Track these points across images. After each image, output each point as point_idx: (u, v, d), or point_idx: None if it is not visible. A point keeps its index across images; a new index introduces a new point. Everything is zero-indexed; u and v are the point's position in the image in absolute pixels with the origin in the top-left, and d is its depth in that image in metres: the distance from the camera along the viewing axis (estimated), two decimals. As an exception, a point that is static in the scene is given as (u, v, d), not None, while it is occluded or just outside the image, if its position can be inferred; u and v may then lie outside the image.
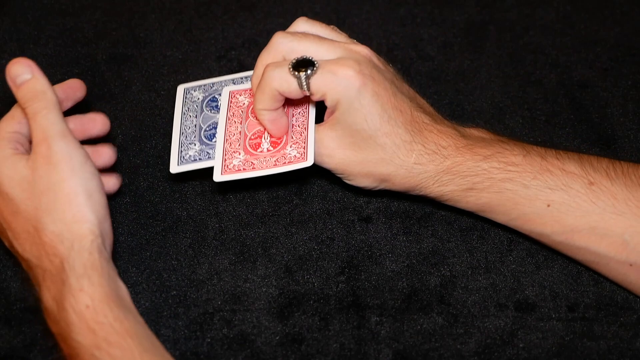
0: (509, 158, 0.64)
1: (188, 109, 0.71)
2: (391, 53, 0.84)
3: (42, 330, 0.64)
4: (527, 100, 0.80)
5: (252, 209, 0.71)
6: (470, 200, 0.65)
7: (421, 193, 0.66)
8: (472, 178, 0.64)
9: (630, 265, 0.62)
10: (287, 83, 0.63)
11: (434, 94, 0.81)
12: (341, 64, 0.63)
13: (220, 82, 0.73)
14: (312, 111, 0.68)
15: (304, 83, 0.62)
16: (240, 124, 0.68)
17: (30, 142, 0.61)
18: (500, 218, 0.66)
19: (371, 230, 0.70)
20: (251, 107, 0.69)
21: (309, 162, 0.64)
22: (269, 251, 0.69)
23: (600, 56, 0.84)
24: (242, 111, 0.69)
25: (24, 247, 0.58)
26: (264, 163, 0.65)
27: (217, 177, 0.65)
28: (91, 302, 0.55)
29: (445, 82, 0.82)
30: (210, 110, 0.70)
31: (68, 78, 0.81)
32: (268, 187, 0.73)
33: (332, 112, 0.65)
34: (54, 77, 0.81)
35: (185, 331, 0.65)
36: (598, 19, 0.87)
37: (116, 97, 0.80)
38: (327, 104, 0.64)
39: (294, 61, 0.62)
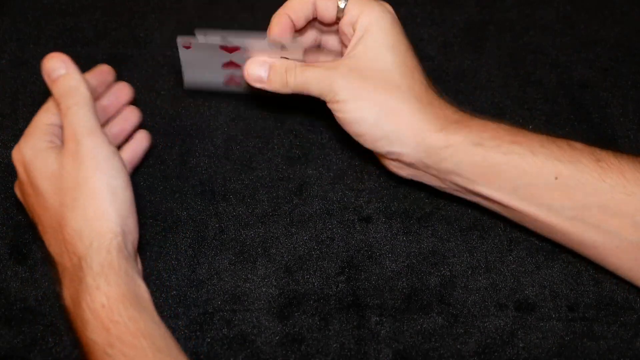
0: (517, 129, 0.63)
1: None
2: (391, 53, 0.84)
3: (42, 330, 0.64)
4: (527, 100, 0.80)
5: (252, 209, 0.71)
6: (476, 160, 0.61)
7: (425, 140, 0.62)
8: (479, 133, 0.62)
9: None
10: None
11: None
12: None
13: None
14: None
15: (343, 1, 0.63)
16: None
17: None
18: (506, 187, 0.62)
19: (371, 230, 0.70)
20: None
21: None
22: (269, 251, 0.69)
23: (600, 56, 0.84)
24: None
25: (50, 242, 0.59)
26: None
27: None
28: (107, 301, 0.54)
29: (445, 82, 0.82)
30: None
31: (68, 78, 0.81)
32: (268, 187, 0.73)
33: (357, 41, 0.64)
34: (54, 77, 0.81)
35: (185, 331, 0.65)
36: (598, 19, 0.87)
37: (116, 97, 0.80)
38: (358, 25, 0.64)
39: None
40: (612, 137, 0.77)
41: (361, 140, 0.64)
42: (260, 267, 0.68)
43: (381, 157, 0.67)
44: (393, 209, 0.71)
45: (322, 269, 0.68)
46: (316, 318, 0.65)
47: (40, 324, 0.65)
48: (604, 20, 0.87)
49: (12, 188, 0.73)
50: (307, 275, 0.67)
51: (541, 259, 0.68)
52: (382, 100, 0.62)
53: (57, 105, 0.62)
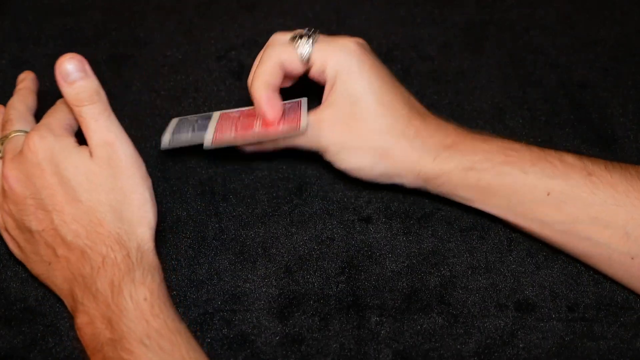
0: (508, 144, 0.65)
1: (183, 123, 0.72)
2: (391, 53, 0.84)
3: (42, 330, 0.64)
4: (527, 100, 0.80)
5: (252, 209, 0.71)
6: (471, 183, 0.64)
7: (421, 171, 0.65)
8: (472, 157, 0.64)
9: (632, 258, 0.61)
10: (288, 53, 0.64)
11: (434, 94, 0.81)
12: (340, 37, 0.65)
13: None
14: (304, 103, 0.68)
15: (306, 52, 0.64)
16: (233, 122, 0.69)
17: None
18: (501, 205, 0.65)
19: (371, 230, 0.70)
20: (243, 113, 0.70)
21: (302, 130, 0.64)
22: (269, 251, 0.69)
23: (600, 56, 0.84)
24: (233, 118, 0.70)
25: (78, 232, 0.59)
26: (256, 135, 0.66)
27: (207, 144, 0.65)
28: (149, 295, 0.57)
29: (445, 82, 0.82)
30: (205, 120, 0.71)
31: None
32: (268, 187, 0.73)
33: (331, 88, 0.65)
34: (54, 77, 0.81)
35: (185, 331, 0.65)
36: (598, 19, 0.87)
37: (116, 97, 0.80)
38: (327, 74, 0.65)
39: (294, 34, 0.64)
40: (612, 137, 0.77)
41: (362, 178, 0.68)
42: (260, 267, 0.68)
43: None
44: (393, 209, 0.71)
45: (322, 269, 0.68)
46: (316, 318, 0.65)
47: (40, 324, 0.65)
48: (604, 20, 0.87)
49: (12, 188, 0.73)
50: (307, 275, 0.67)
51: (541, 259, 0.68)
52: (373, 146, 0.65)
53: (74, 108, 0.61)
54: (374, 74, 0.65)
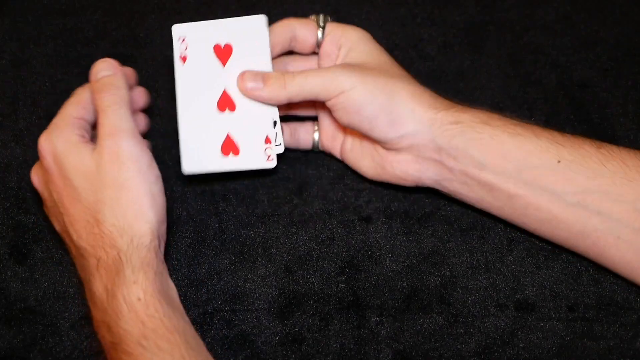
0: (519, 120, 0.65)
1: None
2: (391, 53, 0.84)
3: (42, 330, 0.64)
4: (527, 100, 0.80)
5: (252, 209, 0.71)
6: (484, 138, 0.62)
7: (435, 118, 0.63)
8: (485, 113, 0.64)
9: None
10: (305, 24, 0.68)
11: (434, 94, 0.81)
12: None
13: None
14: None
15: (322, 22, 0.67)
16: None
17: (93, 128, 0.63)
18: (512, 170, 0.62)
19: (371, 230, 0.70)
20: None
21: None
22: (269, 251, 0.69)
23: (600, 56, 0.84)
24: None
25: (80, 234, 0.59)
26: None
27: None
28: (143, 295, 0.56)
29: (445, 82, 0.81)
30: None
31: (68, 78, 0.81)
32: (268, 187, 0.73)
33: (346, 53, 0.67)
34: (54, 77, 0.81)
35: (185, 331, 0.64)
36: (598, 19, 0.87)
37: (116, 97, 0.80)
38: (343, 41, 0.67)
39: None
40: (612, 137, 0.77)
41: (373, 128, 0.64)
42: (260, 267, 0.68)
43: (389, 156, 0.66)
44: (393, 209, 0.71)
45: (322, 269, 0.68)
46: (316, 318, 0.65)
47: (40, 324, 0.65)
48: (604, 20, 0.87)
49: (12, 188, 0.73)
50: (307, 275, 0.68)
51: (541, 259, 0.68)
52: (389, 84, 0.63)
53: (95, 101, 0.62)
54: (385, 52, 0.68)
